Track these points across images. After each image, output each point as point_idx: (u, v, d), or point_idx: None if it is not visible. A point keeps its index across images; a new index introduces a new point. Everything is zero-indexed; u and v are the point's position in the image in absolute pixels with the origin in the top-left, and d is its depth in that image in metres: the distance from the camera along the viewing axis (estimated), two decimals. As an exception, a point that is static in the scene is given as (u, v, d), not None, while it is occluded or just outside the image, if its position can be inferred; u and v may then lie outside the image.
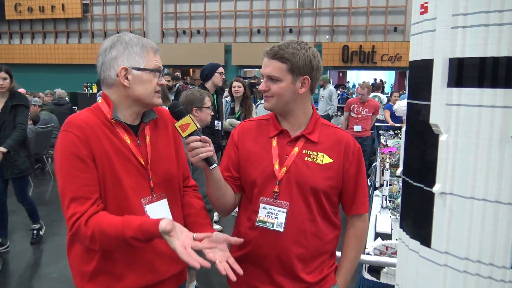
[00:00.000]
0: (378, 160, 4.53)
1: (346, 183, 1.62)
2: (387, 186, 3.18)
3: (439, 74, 0.77)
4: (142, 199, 1.52)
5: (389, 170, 3.31)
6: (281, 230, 1.55)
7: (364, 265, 2.19)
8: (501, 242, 0.74)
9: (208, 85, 4.28)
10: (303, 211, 1.57)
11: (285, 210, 1.56)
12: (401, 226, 0.93)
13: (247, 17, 15.78)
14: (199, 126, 1.47)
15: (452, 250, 0.79)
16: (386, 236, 2.60)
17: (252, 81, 13.17)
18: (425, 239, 0.83)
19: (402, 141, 0.93)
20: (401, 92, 10.58)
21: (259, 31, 15.70)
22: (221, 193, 1.62)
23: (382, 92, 15.44)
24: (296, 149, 1.59)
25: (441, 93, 0.77)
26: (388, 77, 20.45)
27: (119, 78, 1.47)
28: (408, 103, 0.90)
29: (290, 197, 1.56)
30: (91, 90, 16.62)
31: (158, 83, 1.52)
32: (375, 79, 19.17)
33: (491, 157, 0.73)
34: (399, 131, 7.20)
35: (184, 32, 16.41)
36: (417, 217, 0.86)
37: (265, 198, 1.59)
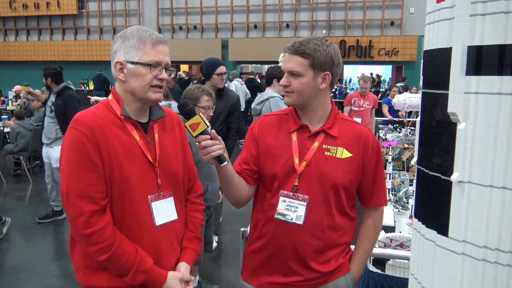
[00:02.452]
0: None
1: (365, 177, 1.65)
2: (389, 179, 3.19)
3: (458, 63, 0.77)
4: (148, 196, 1.51)
5: (391, 163, 3.32)
6: (301, 223, 1.58)
7: (369, 257, 2.20)
8: (520, 229, 0.74)
9: (207, 84, 3.69)
10: (321, 204, 1.60)
11: (305, 204, 1.59)
12: (416, 216, 0.93)
13: (244, 12, 15.73)
14: (209, 125, 1.47)
15: (470, 239, 0.79)
16: (390, 229, 2.61)
17: (251, 76, 13.16)
18: (442, 228, 0.83)
19: (417, 131, 0.93)
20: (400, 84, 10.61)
21: (256, 27, 15.66)
22: (234, 188, 1.64)
23: (378, 87, 15.47)
24: (316, 144, 1.61)
25: (459, 82, 0.77)
26: (385, 72, 20.46)
27: (116, 72, 1.49)
28: (423, 92, 0.89)
29: (309, 190, 1.59)
30: (87, 87, 16.55)
31: (157, 77, 1.48)
32: (371, 74, 19.18)
33: (510, 145, 0.73)
34: (398, 125, 7.22)
35: (180, 28, 16.34)
36: (433, 207, 0.86)
37: (285, 191, 1.61)
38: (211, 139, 1.47)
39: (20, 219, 5.50)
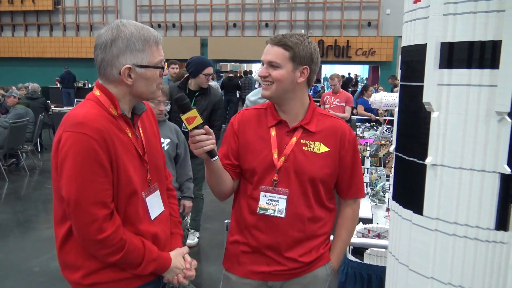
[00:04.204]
0: (356, 150, 4.69)
1: (342, 170, 1.69)
2: (367, 173, 3.30)
3: (432, 57, 0.85)
4: (142, 192, 1.51)
5: (369, 158, 3.43)
6: (283, 215, 1.62)
7: (348, 247, 2.29)
8: (486, 206, 0.83)
9: (192, 82, 3.85)
10: (300, 197, 1.64)
11: (285, 197, 1.63)
12: (394, 198, 1.01)
13: (223, 11, 15.76)
14: (203, 120, 1.49)
15: (442, 216, 0.87)
16: (367, 221, 2.72)
17: (230, 75, 13.20)
18: (417, 208, 0.92)
19: (395, 120, 1.01)
20: (375, 87, 10.82)
21: (235, 25, 15.71)
22: (220, 181, 1.68)
23: (356, 86, 15.71)
24: (294, 139, 1.65)
25: (433, 74, 0.86)
26: (362, 71, 20.80)
27: (121, 76, 1.41)
28: (401, 85, 0.98)
29: (288, 184, 1.63)
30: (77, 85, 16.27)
31: (161, 75, 1.48)
32: (349, 74, 19.47)
33: (477, 131, 0.82)
34: (374, 123, 7.39)
35: (159, 26, 16.24)
36: (409, 188, 0.95)
37: (265, 186, 1.65)
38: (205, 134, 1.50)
39: (-4, 218, 5.41)
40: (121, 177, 1.42)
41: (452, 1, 0.82)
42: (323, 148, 1.65)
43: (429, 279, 0.90)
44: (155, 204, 1.58)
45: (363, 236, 2.44)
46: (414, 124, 0.92)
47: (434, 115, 0.87)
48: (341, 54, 14.83)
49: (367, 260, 2.27)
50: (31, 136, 7.85)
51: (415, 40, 0.90)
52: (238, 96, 12.98)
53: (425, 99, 0.87)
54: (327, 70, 21.81)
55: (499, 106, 0.79)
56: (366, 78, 19.83)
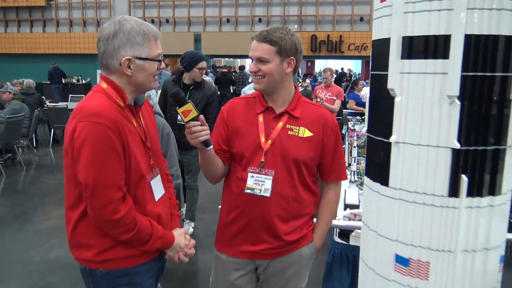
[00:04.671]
0: (347, 143, 4.83)
1: (325, 154, 1.83)
2: (354, 162, 3.45)
3: (395, 49, 0.99)
4: (147, 176, 1.66)
5: (356, 148, 3.58)
6: (268, 195, 1.76)
7: (335, 230, 2.43)
8: (440, 177, 0.97)
9: (186, 76, 4.00)
10: (285, 178, 1.77)
11: (271, 178, 1.76)
12: (366, 174, 1.16)
13: (216, 6, 15.82)
14: (198, 112, 1.62)
15: (405, 187, 1.02)
16: (355, 207, 2.86)
17: (224, 70, 13.31)
18: (384, 180, 1.06)
19: (367, 106, 1.15)
20: (366, 81, 11.00)
21: (228, 21, 15.78)
22: (214, 167, 1.82)
23: (350, 81, 15.85)
24: (280, 124, 1.79)
25: (396, 64, 0.99)
26: (355, 66, 20.96)
27: (122, 67, 1.54)
28: (371, 74, 1.11)
29: (274, 166, 1.77)
30: (64, 80, 16.28)
31: (157, 68, 1.62)
32: (342, 69, 19.61)
33: (433, 112, 0.96)
34: (365, 116, 7.55)
35: (152, 21, 16.26)
36: (378, 164, 1.08)
37: (253, 168, 1.78)
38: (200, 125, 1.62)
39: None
40: (132, 162, 1.56)
41: (411, 1, 0.96)
42: (307, 133, 1.78)
43: (394, 242, 1.05)
44: (157, 187, 1.72)
45: (349, 220, 2.59)
46: (381, 108, 1.06)
47: (397, 99, 1.01)
48: (333, 49, 14.97)
49: (352, 242, 2.41)
50: (27, 131, 7.92)
51: (382, 35, 1.04)
52: (232, 91, 13.11)
53: (389, 85, 1.01)
54: (320, 65, 21.96)
55: (449, 91, 0.93)
56: (359, 74, 20.00)
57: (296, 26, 15.33)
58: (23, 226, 5.06)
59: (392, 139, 1.02)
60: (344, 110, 7.93)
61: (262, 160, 1.77)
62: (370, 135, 1.12)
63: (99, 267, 1.62)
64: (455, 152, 0.95)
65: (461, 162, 0.95)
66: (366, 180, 1.15)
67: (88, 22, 16.97)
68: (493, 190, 0.98)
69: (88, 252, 1.62)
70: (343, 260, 2.37)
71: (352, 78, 17.55)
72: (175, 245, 1.71)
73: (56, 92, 15.03)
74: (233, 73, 14.00)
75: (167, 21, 16.19)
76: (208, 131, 1.65)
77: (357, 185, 3.32)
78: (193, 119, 1.61)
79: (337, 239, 2.41)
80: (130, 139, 1.57)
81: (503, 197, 1.00)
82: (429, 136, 0.97)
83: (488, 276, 1.01)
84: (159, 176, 1.75)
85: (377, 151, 1.09)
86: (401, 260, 1.04)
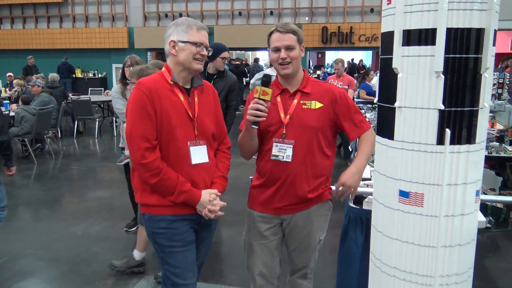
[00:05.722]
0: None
1: (344, 119, 2.19)
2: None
3: (397, 39, 1.36)
4: (188, 142, 2.06)
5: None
6: (290, 160, 2.16)
7: (350, 196, 2.81)
8: (430, 130, 1.35)
9: (210, 66, 4.32)
10: (304, 145, 2.17)
11: (291, 146, 2.17)
12: (377, 133, 1.54)
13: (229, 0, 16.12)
14: (269, 100, 1.99)
15: (406, 139, 1.40)
16: (366, 180, 3.24)
17: (237, 62, 13.65)
18: (390, 135, 1.44)
19: (378, 82, 1.53)
20: (376, 72, 11.28)
21: (240, 14, 16.07)
22: (253, 142, 2.21)
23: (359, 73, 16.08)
24: (295, 101, 2.19)
25: (398, 50, 1.37)
26: (365, 57, 21.13)
27: (169, 47, 2.03)
28: (380, 58, 1.49)
29: (294, 136, 2.17)
30: (73, 75, 16.72)
31: (199, 52, 2.03)
32: (352, 59, 19.79)
33: (425, 83, 1.34)
34: (376, 104, 7.87)
35: (166, 16, 16.63)
36: (386, 124, 1.47)
37: (276, 138, 2.18)
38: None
39: (31, 194, 5.97)
40: (164, 124, 1.99)
41: (409, 4, 1.33)
42: (318, 105, 2.18)
43: (398, 180, 1.43)
44: (198, 154, 2.10)
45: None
46: (388, 82, 1.44)
47: (399, 75, 1.38)
48: (344, 40, 15.21)
49: (365, 206, 2.79)
50: (55, 122, 8.39)
51: (388, 28, 1.42)
52: (244, 83, 13.47)
53: (394, 65, 1.39)
54: (331, 56, 22.15)
55: (436, 68, 1.30)
56: (370, 65, 20.19)
57: (307, 18, 15.56)
58: (61, 207, 5.51)
59: (396, 104, 1.40)
60: (355, 99, 8.26)
61: (284, 132, 2.17)
62: (380, 104, 1.50)
63: (145, 212, 2.08)
64: (441, 112, 1.33)
65: (445, 120, 1.33)
66: (378, 138, 1.53)
67: (104, 18, 17.40)
68: (469, 139, 1.35)
69: (137, 194, 2.10)
70: (357, 222, 2.73)
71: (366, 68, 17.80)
72: (202, 201, 2.07)
73: (65, 86, 15.49)
74: (246, 65, 14.33)
75: (180, 15, 16.51)
76: (265, 114, 2.01)
77: (368, 163, 3.69)
78: (263, 100, 1.98)
79: (352, 204, 2.79)
80: (168, 107, 1.99)
81: (478, 145, 1.38)
82: (422, 101, 1.35)
83: (466, 204, 1.39)
84: (204, 147, 2.11)
85: (384, 115, 1.47)
86: (403, 194, 1.42)
